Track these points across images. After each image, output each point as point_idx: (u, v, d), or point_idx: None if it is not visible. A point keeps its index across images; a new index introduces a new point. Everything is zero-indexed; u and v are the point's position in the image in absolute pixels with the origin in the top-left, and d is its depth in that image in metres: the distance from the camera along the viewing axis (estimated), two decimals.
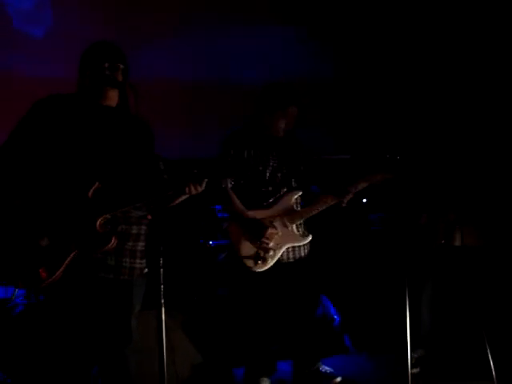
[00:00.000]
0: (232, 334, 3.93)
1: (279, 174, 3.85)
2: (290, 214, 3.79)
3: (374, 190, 4.72)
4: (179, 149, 4.93)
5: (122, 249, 2.86)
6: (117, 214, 2.81)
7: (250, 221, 3.70)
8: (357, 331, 4.59)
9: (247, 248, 3.69)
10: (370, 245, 4.85)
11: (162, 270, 2.95)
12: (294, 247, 3.80)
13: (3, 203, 2.81)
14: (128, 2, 5.26)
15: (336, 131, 5.49)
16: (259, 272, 3.69)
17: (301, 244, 3.82)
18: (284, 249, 3.75)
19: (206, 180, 2.84)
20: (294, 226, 3.80)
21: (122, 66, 2.89)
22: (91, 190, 2.77)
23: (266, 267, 3.69)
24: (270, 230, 3.68)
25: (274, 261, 3.70)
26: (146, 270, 2.97)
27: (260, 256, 3.67)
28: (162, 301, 2.94)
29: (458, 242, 3.95)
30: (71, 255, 2.74)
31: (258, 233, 3.68)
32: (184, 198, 2.96)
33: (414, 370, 4.00)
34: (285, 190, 3.84)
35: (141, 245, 2.93)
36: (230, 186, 3.64)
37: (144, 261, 2.94)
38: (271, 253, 3.70)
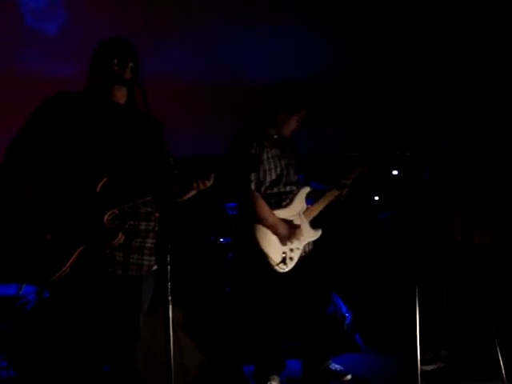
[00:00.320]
0: (242, 331, 3.94)
1: (291, 172, 3.87)
2: (305, 211, 3.84)
3: (385, 187, 4.71)
4: (192, 147, 4.94)
5: (130, 245, 2.85)
6: (125, 209, 2.81)
7: (280, 222, 3.71)
8: (368, 329, 4.58)
9: (277, 251, 3.70)
10: (381, 243, 4.83)
11: (169, 267, 2.95)
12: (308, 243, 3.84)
13: (12, 198, 2.83)
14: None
15: (348, 129, 5.47)
16: (271, 270, 3.70)
17: (315, 238, 3.86)
18: (304, 245, 3.80)
19: (213, 175, 2.83)
20: (308, 222, 3.84)
21: (131, 64, 2.88)
22: (99, 185, 2.77)
23: (293, 265, 3.73)
24: (299, 230, 3.73)
25: (298, 257, 3.75)
26: (156, 267, 2.97)
27: (288, 256, 3.71)
28: (170, 298, 2.94)
29: (476, 241, 3.92)
30: (78, 250, 2.75)
31: (288, 234, 3.71)
32: (193, 193, 2.95)
33: (429, 367, 4.00)
34: (297, 187, 3.86)
35: (150, 242, 2.93)
36: (253, 187, 3.69)
37: (153, 258, 2.94)
38: (296, 251, 3.75)
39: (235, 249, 3.97)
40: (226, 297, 4.18)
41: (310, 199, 3.96)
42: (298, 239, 3.74)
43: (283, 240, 3.71)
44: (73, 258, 2.74)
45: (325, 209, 3.93)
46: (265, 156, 3.76)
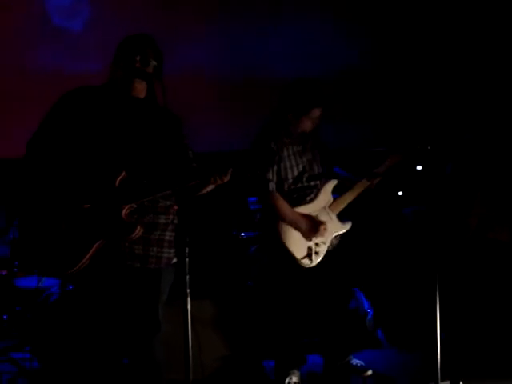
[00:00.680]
0: (262, 326, 3.94)
1: (315, 167, 3.87)
2: (331, 205, 3.84)
3: (409, 182, 4.67)
4: (216, 143, 4.96)
5: (149, 238, 2.88)
6: (144, 203, 2.83)
7: (302, 219, 3.72)
8: (390, 325, 4.56)
9: (301, 247, 3.72)
10: (405, 238, 4.80)
11: (187, 260, 2.96)
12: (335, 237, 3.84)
13: (33, 192, 2.87)
14: None
15: (370, 124, 5.44)
16: (295, 265, 3.71)
17: (344, 231, 3.86)
18: (330, 239, 3.80)
19: (231, 170, 2.84)
20: (335, 215, 3.84)
21: (153, 62, 2.89)
22: (118, 179, 2.80)
23: (319, 260, 3.74)
24: (323, 226, 3.72)
25: (324, 252, 3.76)
26: (175, 259, 2.99)
27: (313, 251, 3.72)
28: (188, 291, 2.95)
29: (491, 235, 3.88)
30: (97, 243, 2.78)
31: (311, 229, 3.71)
32: (210, 188, 2.96)
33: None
34: (322, 181, 3.86)
35: (169, 235, 2.96)
36: (274, 187, 3.70)
37: (173, 250, 2.97)
38: (322, 246, 3.75)
39: (259, 243, 3.98)
40: (247, 291, 4.18)
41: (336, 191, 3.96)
42: (322, 234, 3.73)
43: (306, 235, 3.72)
44: (91, 251, 2.78)
45: (352, 202, 3.91)
46: (285, 153, 3.77)
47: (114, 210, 2.78)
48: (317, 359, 4.07)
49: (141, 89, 2.95)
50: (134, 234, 2.78)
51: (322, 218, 3.78)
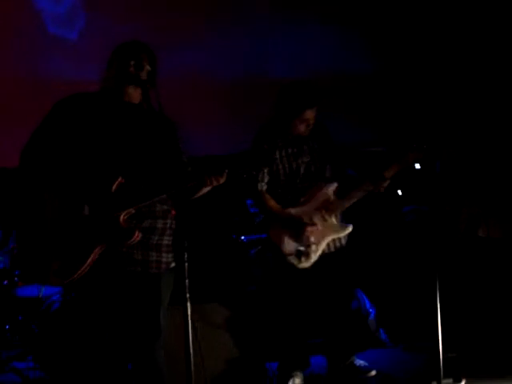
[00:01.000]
0: (265, 328, 3.94)
1: (313, 169, 3.85)
2: (328, 207, 3.77)
3: (408, 181, 4.66)
4: (217, 146, 4.97)
5: (148, 243, 2.88)
6: (141, 208, 2.84)
7: (289, 219, 3.71)
8: (393, 325, 4.55)
9: (290, 246, 3.70)
10: (405, 238, 4.80)
11: (186, 264, 2.97)
12: (335, 239, 3.80)
13: (30, 200, 2.87)
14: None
15: (373, 124, 5.44)
16: (294, 267, 3.70)
17: (342, 235, 3.82)
18: (326, 242, 3.75)
19: (226, 171, 2.85)
20: (334, 218, 3.78)
21: (147, 67, 2.91)
22: (114, 185, 2.81)
23: (311, 263, 3.70)
24: (309, 227, 3.69)
25: (317, 256, 3.71)
26: (174, 264, 3.00)
27: (303, 252, 3.68)
28: (188, 295, 2.96)
29: (481, 233, 3.87)
30: (96, 250, 2.78)
31: (298, 230, 3.69)
32: (206, 190, 2.97)
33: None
34: (321, 183, 3.82)
35: (167, 239, 2.96)
36: (264, 187, 3.70)
37: (171, 255, 2.97)
38: (313, 248, 3.70)
39: (260, 245, 3.98)
40: (249, 294, 4.18)
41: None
42: (311, 236, 3.70)
43: (293, 237, 3.70)
44: (91, 258, 2.78)
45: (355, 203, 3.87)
46: (277, 155, 3.77)
47: (112, 215, 2.79)
48: (320, 360, 4.07)
49: (135, 94, 2.95)
50: (132, 239, 2.79)
51: (315, 220, 3.74)
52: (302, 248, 3.69)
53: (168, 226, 2.97)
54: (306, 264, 3.70)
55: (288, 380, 3.75)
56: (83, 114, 2.89)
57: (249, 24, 5.40)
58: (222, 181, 2.86)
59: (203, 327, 3.70)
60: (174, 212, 3.00)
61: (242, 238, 4.40)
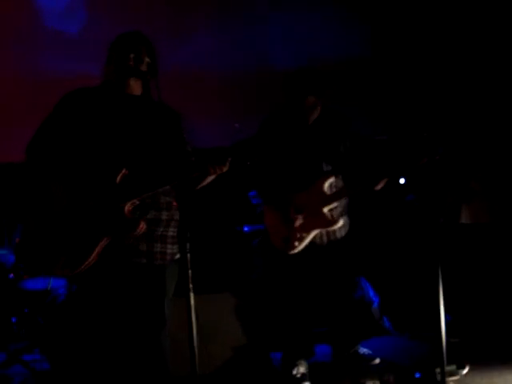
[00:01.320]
0: (269, 318, 3.96)
1: (314, 159, 3.82)
2: (322, 199, 3.75)
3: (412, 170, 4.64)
4: (219, 137, 4.96)
5: (153, 235, 2.90)
6: (145, 199, 2.86)
7: (280, 203, 3.72)
8: (396, 313, 4.57)
9: (276, 229, 3.71)
10: (407, 226, 4.80)
11: (189, 255, 2.99)
12: (328, 231, 3.79)
13: (35, 192, 2.90)
14: None
15: (374, 112, 5.44)
16: (295, 255, 3.70)
17: (331, 229, 3.78)
18: (314, 233, 3.72)
19: (229, 160, 2.86)
20: (327, 211, 3.75)
21: (147, 59, 2.92)
22: (119, 176, 2.82)
23: (295, 250, 3.68)
24: (294, 214, 3.68)
25: (302, 244, 3.69)
26: (178, 255, 3.01)
27: (288, 238, 3.67)
28: (191, 286, 2.98)
29: (464, 220, 3.88)
30: (102, 241, 2.80)
31: (284, 215, 3.69)
32: (210, 179, 2.98)
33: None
34: (319, 174, 3.80)
35: (172, 230, 2.97)
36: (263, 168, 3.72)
37: (175, 246, 2.99)
38: (298, 235, 3.69)
39: (261, 235, 4.00)
40: (252, 283, 4.20)
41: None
42: (299, 223, 3.68)
43: (281, 221, 3.69)
44: (97, 250, 2.80)
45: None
46: (281, 140, 3.77)
47: (117, 207, 2.81)
48: (324, 349, 4.09)
49: (136, 86, 2.97)
50: (137, 231, 2.80)
51: (306, 209, 3.71)
52: (287, 233, 3.68)
53: (173, 217, 2.99)
54: (289, 250, 3.68)
55: (292, 369, 3.76)
56: (87, 108, 2.91)
57: (248, 14, 5.40)
58: (225, 169, 2.87)
59: (207, 317, 3.73)
60: (175, 203, 3.02)
61: (245, 228, 4.42)
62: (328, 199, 3.76)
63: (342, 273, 3.89)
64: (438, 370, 3.43)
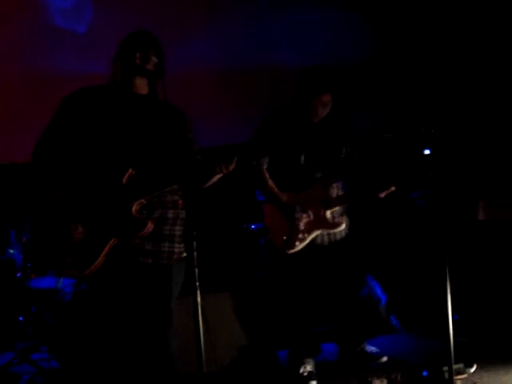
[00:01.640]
0: (275, 316, 3.96)
1: (317, 159, 3.81)
2: (324, 201, 3.75)
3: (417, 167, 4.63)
4: (220, 136, 4.96)
5: (160, 234, 2.91)
6: (152, 198, 2.86)
7: (282, 202, 3.71)
8: (404, 311, 4.55)
9: (278, 228, 3.71)
10: (414, 223, 4.79)
11: (195, 253, 2.99)
12: (329, 232, 3.78)
13: (43, 193, 2.91)
14: None
15: (379, 110, 5.42)
16: (300, 254, 3.70)
17: (332, 231, 3.78)
18: (314, 234, 3.72)
19: (236, 158, 2.86)
20: (329, 213, 3.75)
21: (154, 59, 2.92)
22: (125, 177, 2.83)
23: (295, 249, 3.69)
24: (299, 214, 3.68)
25: (302, 244, 3.69)
26: (185, 254, 3.02)
27: (287, 237, 3.68)
28: (197, 284, 2.98)
29: (481, 216, 3.86)
30: (110, 242, 2.81)
31: (288, 215, 3.69)
32: (217, 178, 2.99)
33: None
34: (323, 175, 3.80)
35: (178, 229, 2.98)
36: (265, 165, 3.71)
37: (182, 245, 3.00)
38: (300, 236, 3.69)
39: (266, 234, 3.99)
40: (259, 282, 4.19)
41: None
42: (299, 223, 3.68)
43: (283, 220, 3.69)
44: (105, 251, 2.81)
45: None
46: (285, 137, 3.75)
47: (124, 207, 2.82)
48: (331, 348, 4.08)
49: (142, 85, 2.97)
50: (145, 230, 2.81)
51: (308, 210, 3.71)
52: (288, 233, 3.67)
53: (179, 216, 2.99)
54: (289, 250, 3.68)
55: (299, 367, 3.76)
56: (93, 108, 2.91)
57: (252, 12, 5.40)
58: (231, 168, 2.87)
59: (214, 316, 3.73)
60: (181, 202, 3.02)
61: (252, 226, 4.42)
62: (332, 202, 3.76)
63: (348, 271, 3.87)
64: (445, 368, 3.42)
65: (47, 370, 3.91)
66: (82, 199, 2.84)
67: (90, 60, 4.95)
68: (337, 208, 3.78)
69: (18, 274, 4.30)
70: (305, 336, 3.83)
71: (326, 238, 3.79)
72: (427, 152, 4.47)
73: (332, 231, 3.78)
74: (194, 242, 2.98)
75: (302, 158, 3.77)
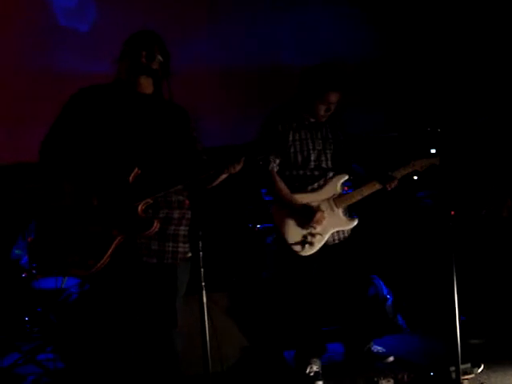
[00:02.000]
0: (282, 316, 3.95)
1: (324, 158, 3.81)
2: (337, 198, 3.76)
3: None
4: (223, 136, 4.96)
5: (165, 233, 2.90)
6: (158, 198, 2.85)
7: (298, 205, 3.68)
8: (410, 311, 4.54)
9: (294, 232, 3.68)
10: (420, 222, 4.77)
11: (201, 253, 2.98)
12: (338, 230, 3.78)
13: (49, 192, 2.90)
14: None
15: (385, 110, 5.41)
16: (310, 254, 3.69)
17: (347, 228, 3.79)
18: (330, 233, 3.73)
19: (243, 158, 2.84)
20: (341, 210, 3.76)
21: (159, 57, 2.91)
22: (131, 176, 2.82)
23: (313, 251, 3.69)
24: (318, 215, 3.66)
25: (320, 245, 3.69)
26: (190, 254, 3.01)
27: (307, 241, 3.67)
28: (203, 284, 2.97)
29: (506, 213, 3.84)
30: (116, 241, 2.80)
31: (306, 217, 3.66)
32: (223, 177, 2.98)
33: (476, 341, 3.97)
34: (331, 174, 3.80)
35: (183, 229, 2.97)
36: (275, 169, 3.70)
37: (187, 245, 2.99)
38: (318, 237, 3.68)
39: (274, 233, 3.98)
40: (266, 282, 4.18)
41: (350, 183, 3.92)
42: (318, 223, 3.67)
43: (300, 223, 3.67)
44: (111, 250, 2.80)
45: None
46: (291, 137, 3.73)
47: (130, 206, 2.81)
48: (337, 347, 4.07)
49: (147, 85, 2.96)
50: (151, 230, 2.80)
51: (323, 209, 3.70)
52: (308, 237, 3.66)
53: (184, 216, 2.98)
54: (307, 252, 3.68)
55: (306, 367, 3.75)
56: (98, 106, 2.90)
57: (256, 11, 5.38)
58: (238, 168, 2.86)
59: (220, 316, 3.72)
60: (187, 202, 3.01)
61: (258, 226, 4.41)
62: (343, 200, 3.76)
63: (353, 271, 3.86)
64: (452, 368, 3.40)
65: (53, 370, 3.90)
66: (87, 196, 2.82)
67: (93, 59, 4.95)
68: (346, 205, 3.78)
69: (24, 275, 4.30)
70: (311, 336, 3.82)
71: (335, 236, 3.79)
72: (433, 151, 4.44)
73: (346, 228, 3.78)
74: (200, 242, 2.98)
75: (313, 157, 3.77)
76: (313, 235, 3.67)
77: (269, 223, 4.32)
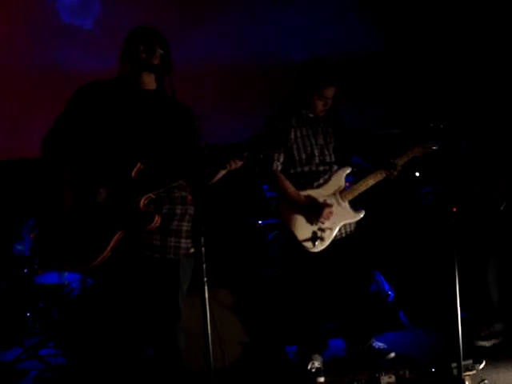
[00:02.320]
0: (284, 312, 3.95)
1: (327, 152, 3.83)
2: (342, 192, 3.78)
3: (426, 163, 4.63)
4: (225, 133, 4.95)
5: (167, 229, 2.90)
6: (160, 193, 2.85)
7: (306, 202, 3.69)
8: (412, 306, 4.54)
9: (304, 229, 3.69)
10: (423, 219, 4.77)
11: (203, 249, 2.98)
12: (345, 224, 3.79)
13: (51, 186, 2.91)
14: None
15: (387, 106, 5.40)
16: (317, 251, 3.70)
17: (354, 220, 3.80)
18: (339, 226, 3.74)
19: (246, 153, 2.85)
20: (347, 203, 3.78)
21: (159, 51, 2.90)
22: (134, 171, 2.82)
23: (324, 247, 3.69)
24: (326, 210, 3.67)
25: (330, 239, 3.70)
26: (192, 249, 3.01)
27: (318, 236, 3.67)
28: (205, 279, 2.97)
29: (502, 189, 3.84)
30: (117, 235, 2.80)
31: (314, 213, 3.67)
32: (224, 173, 2.97)
33: (485, 343, 3.97)
34: (335, 167, 3.82)
35: (186, 225, 2.97)
36: (279, 167, 3.70)
37: (189, 240, 2.98)
38: (328, 232, 3.70)
39: (276, 229, 3.98)
40: (267, 277, 4.19)
41: (352, 177, 3.93)
42: (326, 218, 3.67)
43: (309, 220, 3.68)
44: (112, 244, 2.80)
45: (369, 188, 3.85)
46: (292, 135, 3.75)
47: (132, 201, 2.81)
48: (339, 344, 4.09)
49: (149, 81, 2.96)
50: (152, 224, 2.80)
51: (330, 204, 3.72)
52: (318, 232, 3.67)
53: (187, 211, 2.98)
54: (319, 248, 3.68)
55: (307, 363, 3.76)
56: (102, 102, 2.91)
57: (256, 8, 5.38)
58: (240, 164, 2.86)
59: (222, 311, 3.73)
60: (190, 197, 3.01)
61: (260, 222, 4.41)
62: (349, 191, 3.78)
63: (356, 267, 3.87)
64: (454, 364, 3.40)
65: (55, 365, 3.91)
66: (89, 191, 2.83)
67: (97, 56, 4.96)
68: (351, 197, 3.79)
69: (25, 270, 4.30)
70: (313, 332, 3.83)
71: (343, 230, 3.80)
72: (435, 147, 4.44)
73: (354, 220, 3.80)
74: (202, 238, 2.98)
75: (317, 153, 3.77)
76: (323, 230, 3.68)
77: (271, 219, 4.32)
